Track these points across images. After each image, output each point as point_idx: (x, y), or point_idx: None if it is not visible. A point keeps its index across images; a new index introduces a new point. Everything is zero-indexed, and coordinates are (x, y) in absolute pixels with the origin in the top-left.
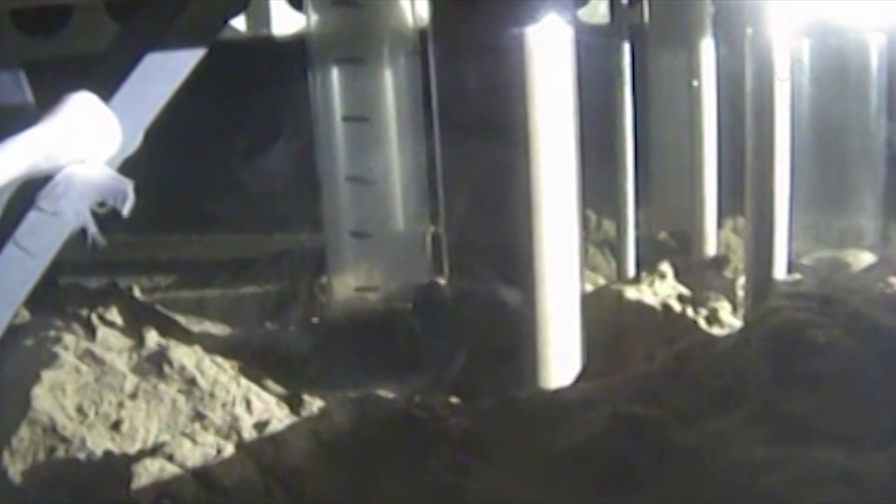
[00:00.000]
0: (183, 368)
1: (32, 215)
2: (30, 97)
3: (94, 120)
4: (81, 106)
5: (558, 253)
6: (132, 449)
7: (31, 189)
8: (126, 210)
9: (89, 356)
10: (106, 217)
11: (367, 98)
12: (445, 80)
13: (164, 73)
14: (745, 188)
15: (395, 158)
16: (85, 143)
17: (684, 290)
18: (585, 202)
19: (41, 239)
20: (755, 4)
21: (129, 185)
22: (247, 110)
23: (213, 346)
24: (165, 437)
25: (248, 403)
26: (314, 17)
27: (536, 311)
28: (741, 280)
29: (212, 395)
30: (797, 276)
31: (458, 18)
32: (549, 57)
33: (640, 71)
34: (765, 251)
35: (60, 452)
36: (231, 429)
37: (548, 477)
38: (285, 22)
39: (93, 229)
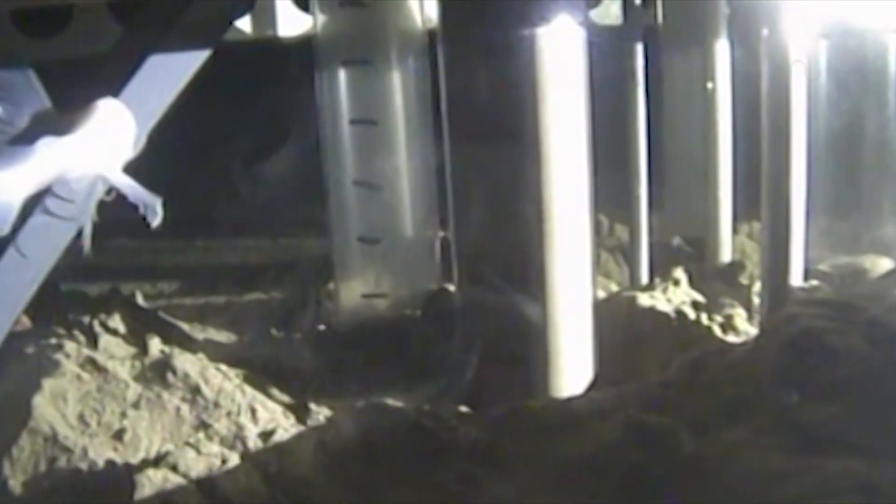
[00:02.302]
0: (187, 377)
1: (33, 221)
2: (45, 99)
3: (122, 127)
4: (112, 114)
5: (570, 259)
6: (135, 459)
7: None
8: (154, 224)
9: (91, 364)
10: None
11: (375, 101)
12: (455, 83)
13: (168, 75)
14: (760, 192)
15: (404, 162)
16: (113, 150)
17: (699, 297)
18: (598, 207)
19: (42, 245)
20: (771, 5)
21: (157, 202)
22: (252, 113)
23: (217, 354)
24: (169, 446)
25: (253, 412)
26: (321, 18)
27: (548, 318)
28: (757, 286)
29: (216, 403)
30: (814, 282)
31: (468, 19)
32: (560, 59)
33: (654, 73)
34: (781, 257)
35: (62, 462)
36: (236, 438)
37: (559, 487)
38: (291, 23)
39: (87, 235)
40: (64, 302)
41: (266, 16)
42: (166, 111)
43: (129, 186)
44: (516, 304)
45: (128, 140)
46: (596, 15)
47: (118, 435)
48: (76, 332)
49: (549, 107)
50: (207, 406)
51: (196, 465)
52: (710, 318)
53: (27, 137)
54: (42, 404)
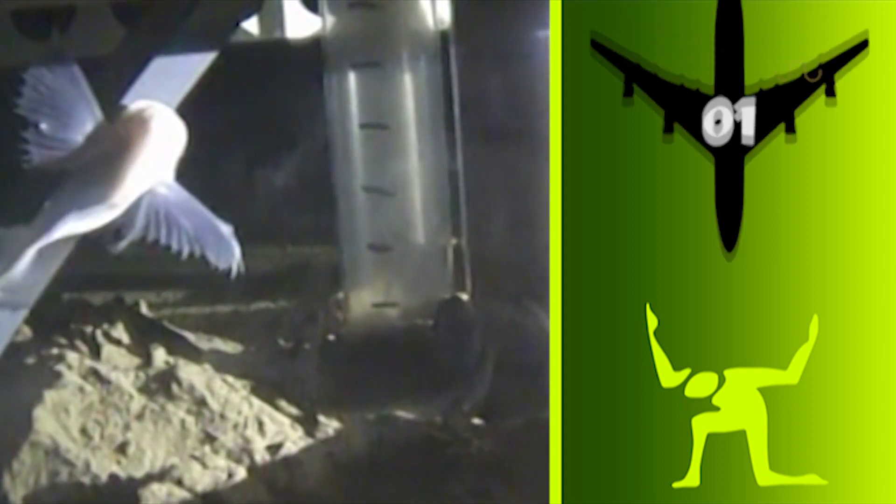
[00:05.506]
0: (192, 388)
1: None
2: (95, 106)
3: (177, 138)
4: (167, 123)
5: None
6: (139, 473)
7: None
8: (234, 269)
9: (94, 375)
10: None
11: (386, 104)
12: (469, 86)
13: (173, 77)
14: None
15: (416, 167)
16: (169, 163)
17: None
18: None
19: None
20: None
21: (229, 231)
22: (259, 116)
23: (223, 364)
24: (174, 460)
25: (260, 425)
26: (330, 20)
27: None
28: None
29: (222, 416)
30: None
31: (482, 21)
32: None
33: None
34: None
35: (63, 476)
36: (243, 451)
37: None
38: (299, 24)
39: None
40: (65, 311)
41: (274, 17)
42: None
43: (185, 205)
44: (531, 314)
45: (181, 150)
46: None
47: (121, 448)
48: (78, 342)
49: None
50: (213, 418)
51: (202, 479)
52: None
53: (84, 157)
54: (43, 416)
